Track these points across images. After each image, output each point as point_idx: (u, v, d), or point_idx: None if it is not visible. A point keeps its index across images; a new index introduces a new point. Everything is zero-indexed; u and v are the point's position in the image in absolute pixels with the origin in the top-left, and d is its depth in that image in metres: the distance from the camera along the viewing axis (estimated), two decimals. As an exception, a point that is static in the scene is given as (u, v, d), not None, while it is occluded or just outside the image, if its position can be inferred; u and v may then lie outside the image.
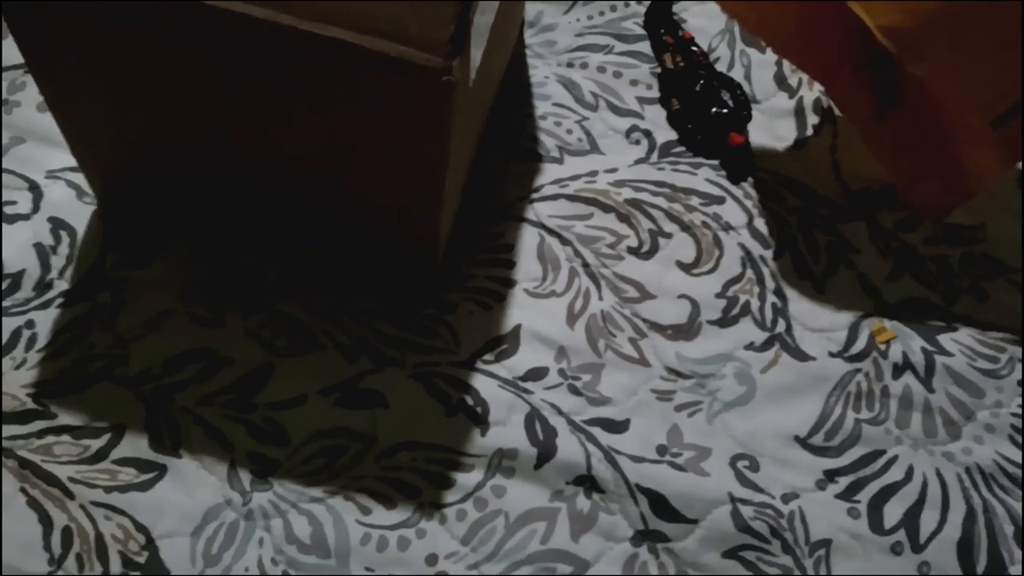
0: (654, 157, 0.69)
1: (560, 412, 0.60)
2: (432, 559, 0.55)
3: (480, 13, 0.50)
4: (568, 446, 0.59)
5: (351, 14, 0.43)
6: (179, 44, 0.47)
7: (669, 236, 0.66)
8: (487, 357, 0.61)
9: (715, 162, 0.69)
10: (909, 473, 0.60)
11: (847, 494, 0.59)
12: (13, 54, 0.68)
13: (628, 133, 0.70)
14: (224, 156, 0.55)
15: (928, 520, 0.59)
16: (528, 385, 0.60)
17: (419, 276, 0.63)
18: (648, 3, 0.74)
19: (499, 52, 0.65)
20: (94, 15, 0.47)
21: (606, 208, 0.67)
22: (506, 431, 0.59)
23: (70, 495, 0.55)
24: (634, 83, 0.71)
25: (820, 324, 0.64)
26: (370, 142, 0.50)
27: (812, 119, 0.70)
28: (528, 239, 0.66)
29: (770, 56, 0.72)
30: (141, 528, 0.55)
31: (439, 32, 0.43)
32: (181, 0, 0.44)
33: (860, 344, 0.63)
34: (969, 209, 0.67)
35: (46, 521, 0.55)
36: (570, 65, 0.72)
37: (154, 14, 0.45)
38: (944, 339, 0.64)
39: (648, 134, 0.70)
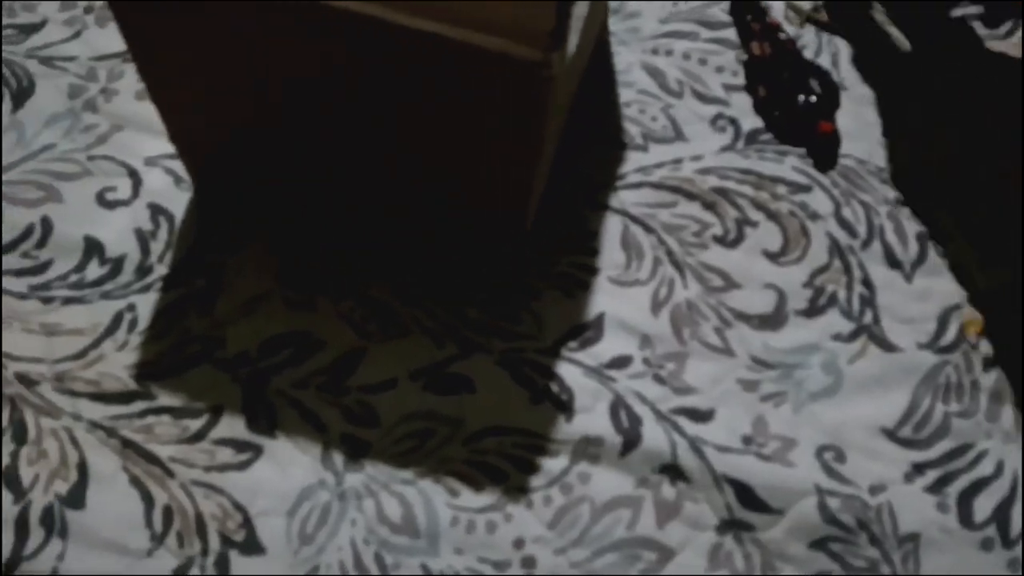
0: (740, 145, 0.69)
1: (645, 400, 0.60)
2: (519, 543, 0.56)
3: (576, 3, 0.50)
4: (653, 434, 0.59)
5: (454, 9, 0.44)
6: (281, 39, 0.48)
7: (755, 225, 0.66)
8: (571, 344, 0.62)
9: (802, 150, 0.68)
10: (999, 468, 0.59)
11: (936, 487, 0.58)
12: (109, 43, 0.70)
13: (714, 120, 0.69)
14: (321, 143, 0.57)
15: (1019, 516, 0.58)
16: (613, 373, 0.61)
17: (507, 260, 0.64)
18: (734, -12, 0.73)
19: (587, 40, 0.65)
20: (198, 9, 0.48)
21: (691, 196, 0.67)
22: (591, 418, 0.59)
23: (171, 474, 0.57)
24: (720, 70, 0.71)
25: (909, 315, 0.63)
26: (468, 130, 0.51)
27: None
28: (612, 227, 0.66)
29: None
30: (239, 507, 0.57)
31: (540, 26, 0.43)
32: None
33: (949, 336, 0.62)
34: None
35: (147, 499, 0.57)
36: (655, 52, 0.72)
37: (258, 11, 0.47)
38: (1037, 329, 0.63)
39: (734, 121, 0.69)
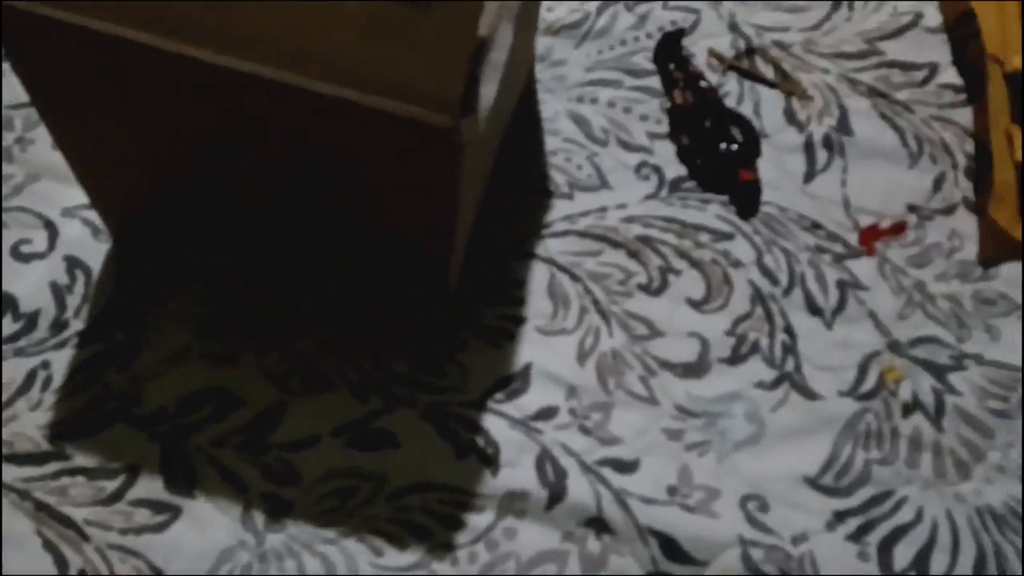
0: (664, 193, 0.69)
1: (571, 452, 0.60)
2: (444, 601, 0.56)
3: (494, 50, 0.50)
4: (579, 487, 0.59)
5: (359, 73, 0.44)
6: (187, 97, 0.48)
7: (679, 273, 0.66)
8: (498, 396, 0.62)
9: (724, 198, 0.69)
10: (919, 514, 0.60)
11: (857, 535, 0.59)
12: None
13: (638, 168, 0.70)
14: (240, 198, 0.56)
15: (939, 563, 0.59)
16: (539, 425, 0.61)
17: (431, 312, 0.63)
18: (658, 38, 0.74)
19: (511, 88, 0.66)
20: (97, 63, 0.47)
21: (616, 244, 0.67)
22: (517, 472, 0.59)
23: (85, 537, 0.56)
24: (644, 118, 0.72)
25: (829, 362, 0.64)
26: (381, 193, 0.50)
27: (821, 154, 0.70)
28: (538, 276, 0.66)
29: (779, 92, 0.73)
30: (156, 570, 0.55)
31: (448, 92, 0.43)
32: (186, 57, 0.44)
33: (870, 383, 0.63)
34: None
35: (62, 563, 0.55)
36: (580, 100, 0.72)
37: (160, 69, 0.46)
38: (955, 378, 0.64)
39: (658, 170, 0.70)
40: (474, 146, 0.50)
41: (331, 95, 0.44)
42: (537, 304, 0.65)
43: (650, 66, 0.74)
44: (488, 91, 0.50)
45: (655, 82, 0.73)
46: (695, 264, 0.67)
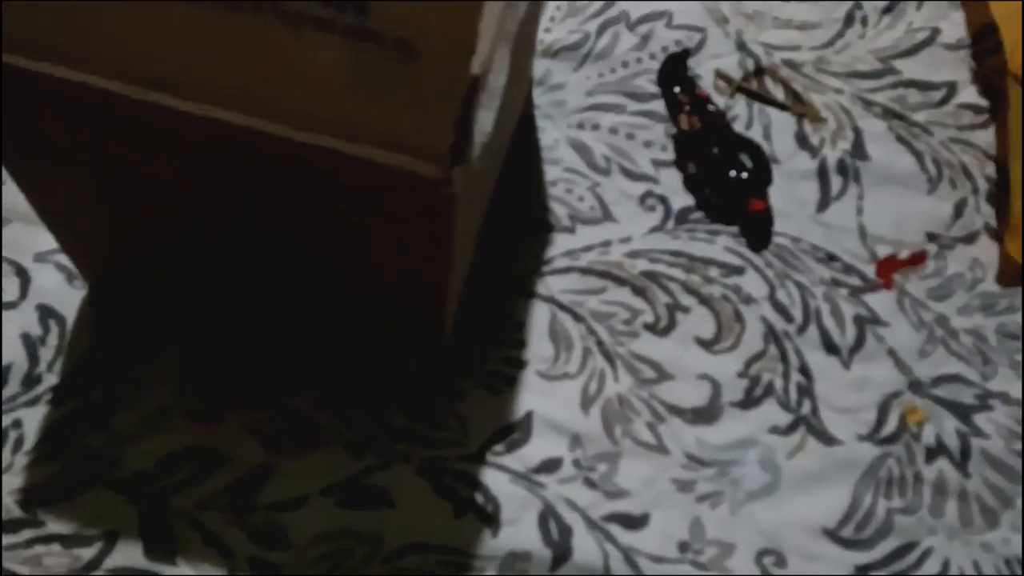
0: (670, 224, 0.66)
1: (575, 507, 0.57)
2: (443, 672, 0.53)
3: (491, 75, 0.47)
4: (584, 546, 0.56)
5: (343, 121, 0.40)
6: (157, 146, 0.44)
7: (687, 311, 0.63)
8: (497, 448, 0.58)
9: (734, 229, 0.66)
10: (945, 566, 0.57)
11: (881, 592, 0.56)
12: None
13: (642, 199, 0.67)
14: (224, 250, 0.53)
15: (968, 620, 0.56)
16: (541, 478, 0.57)
17: (428, 361, 0.60)
18: (662, 60, 0.71)
19: (508, 114, 0.62)
20: (61, 111, 0.44)
21: (620, 281, 0.64)
22: (519, 531, 0.56)
23: (61, 610, 0.53)
24: (648, 145, 0.68)
25: (847, 404, 0.61)
26: (372, 244, 0.47)
27: (836, 181, 0.67)
28: (539, 316, 0.63)
29: (790, 114, 0.69)
30: (136, 645, 0.52)
31: (438, 141, 0.40)
32: (159, 107, 0.41)
33: (890, 426, 0.60)
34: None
35: (36, 638, 0.52)
36: (581, 127, 0.69)
37: (126, 116, 0.43)
38: (980, 419, 0.60)
39: (663, 200, 0.67)
40: (468, 188, 0.46)
41: (313, 144, 0.41)
42: (538, 347, 0.62)
43: (654, 89, 0.70)
44: (484, 120, 0.47)
45: (659, 106, 0.70)
46: (704, 301, 0.63)
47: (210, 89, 0.41)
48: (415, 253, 0.47)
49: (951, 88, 0.70)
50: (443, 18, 0.40)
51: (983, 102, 0.69)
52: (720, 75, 0.70)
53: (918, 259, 0.65)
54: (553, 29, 0.71)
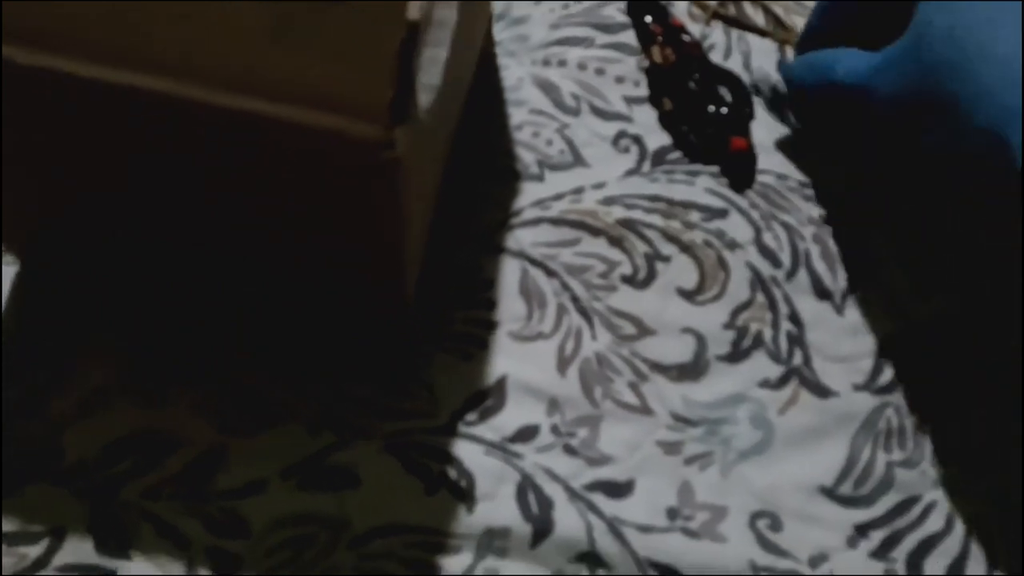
0: (646, 167, 0.61)
1: (556, 478, 0.53)
2: (420, 660, 0.50)
3: (438, 16, 0.42)
4: (566, 519, 0.52)
5: (270, 81, 0.35)
6: (79, 117, 0.39)
7: (667, 260, 0.59)
8: (470, 417, 0.54)
9: (715, 168, 0.61)
10: (949, 522, 0.53)
11: (882, 551, 0.52)
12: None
13: (616, 140, 0.62)
14: (153, 222, 0.48)
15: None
16: (518, 448, 0.54)
17: (390, 326, 0.56)
18: (631, -14, 0.65)
19: (463, 57, 0.57)
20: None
21: (595, 231, 0.59)
22: (496, 506, 0.52)
23: (6, 615, 0.49)
24: (620, 80, 0.63)
25: (842, 352, 0.57)
26: (318, 216, 0.42)
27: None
28: (509, 272, 0.58)
29: (771, 41, 0.64)
30: (89, 649, 0.49)
31: (374, 97, 0.35)
32: (60, 72, 0.36)
33: (888, 374, 0.56)
34: None
35: (-18, 645, 0.49)
36: (546, 63, 0.64)
37: (41, 87, 0.38)
38: (982, 362, 0.57)
39: (638, 140, 0.62)
40: (419, 145, 0.42)
41: (232, 107, 0.36)
42: (509, 306, 0.57)
43: (623, 19, 0.65)
44: (432, 68, 0.42)
45: (630, 38, 0.65)
46: (685, 248, 0.59)
47: (119, 51, 0.36)
48: (364, 222, 0.42)
49: (944, 5, 0.65)
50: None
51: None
52: (695, 3, 0.65)
53: (913, 192, 0.61)
54: (513, -43, 0.66)
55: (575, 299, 0.58)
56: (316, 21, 0.35)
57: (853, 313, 0.58)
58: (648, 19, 0.64)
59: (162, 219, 0.48)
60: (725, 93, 0.62)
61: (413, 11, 0.36)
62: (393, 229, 0.42)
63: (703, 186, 0.61)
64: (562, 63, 0.64)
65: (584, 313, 0.57)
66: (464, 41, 0.55)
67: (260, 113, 0.36)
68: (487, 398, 0.55)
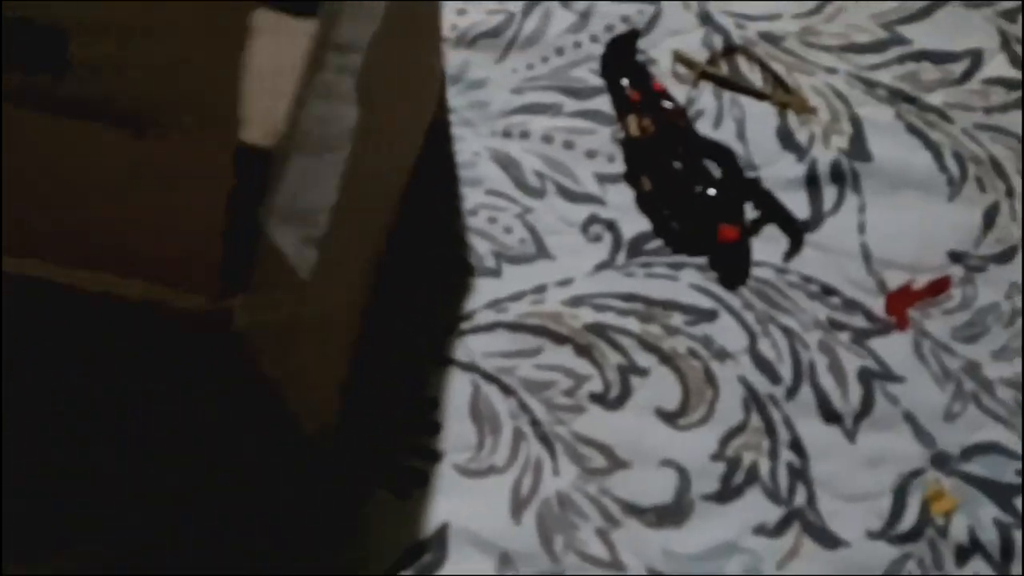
0: (621, 258, 0.52)
1: (505, 655, 0.44)
2: None
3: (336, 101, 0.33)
4: None
5: (93, 252, 0.27)
6: None
7: (645, 373, 0.50)
8: (406, 574, 0.46)
9: (703, 260, 0.52)
10: None
11: None
12: None
13: (586, 227, 0.53)
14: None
15: None
16: (460, 617, 0.45)
17: (321, 456, 0.47)
18: (607, 43, 0.56)
19: (399, 132, 0.48)
20: None
21: (559, 339, 0.50)
22: None
23: None
24: (591, 155, 0.54)
25: (854, 489, 0.47)
26: (178, 385, 0.34)
27: (830, 190, 0.53)
28: (458, 389, 0.49)
29: (770, 105, 0.55)
30: None
31: (197, 262, 0.26)
32: None
33: (911, 517, 0.47)
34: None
35: None
36: (507, 135, 0.55)
37: None
38: (1025, 502, 0.47)
39: (612, 226, 0.53)
40: (309, 294, 0.33)
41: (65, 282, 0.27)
42: (458, 430, 0.49)
43: (597, 82, 0.56)
44: (322, 189, 0.33)
45: (605, 103, 0.55)
46: (666, 359, 0.50)
47: None
48: (234, 383, 0.34)
49: (975, 58, 0.55)
50: (187, 79, 0.26)
51: (1016, 73, 0.55)
52: (680, 58, 0.56)
53: (940, 287, 0.51)
54: (469, 10, 0.57)
55: (535, 423, 0.49)
56: (132, 163, 0.26)
57: (868, 440, 0.48)
58: (625, 82, 0.55)
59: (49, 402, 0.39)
60: (714, 169, 0.53)
61: (259, 131, 0.27)
62: (265, 388, 0.33)
63: (688, 282, 0.51)
64: (525, 135, 0.54)
65: (545, 440, 0.48)
66: (397, 115, 0.46)
67: (71, 284, 0.27)
68: (426, 551, 0.46)
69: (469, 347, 0.50)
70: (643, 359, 0.50)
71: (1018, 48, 0.55)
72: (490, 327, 0.50)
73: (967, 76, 0.54)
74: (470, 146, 0.55)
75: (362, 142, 0.37)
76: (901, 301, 0.51)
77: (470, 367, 0.50)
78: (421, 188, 0.53)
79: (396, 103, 0.45)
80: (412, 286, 0.51)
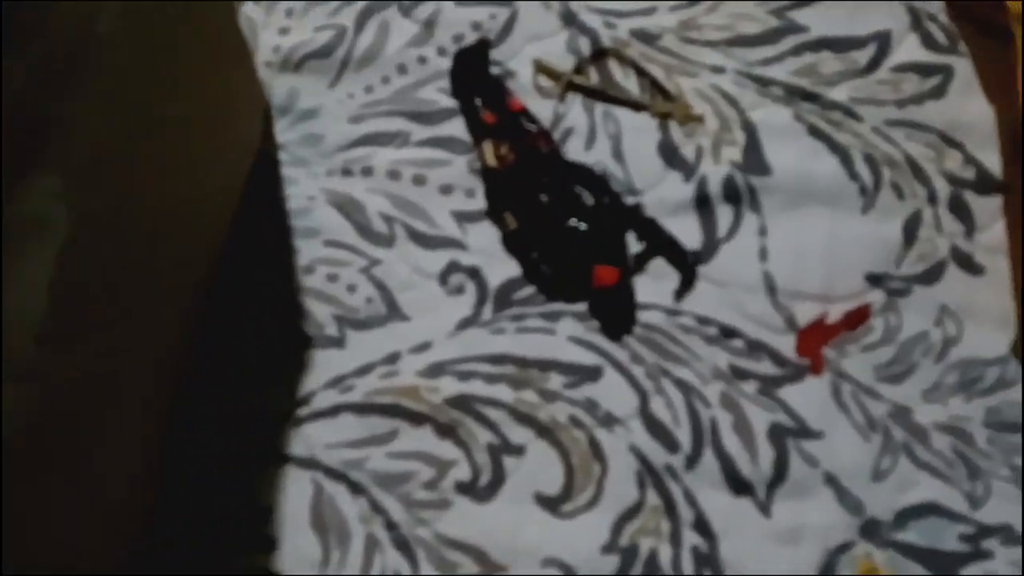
0: (487, 313, 0.44)
1: None
2: None
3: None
4: None
5: None
6: None
7: (520, 452, 0.42)
8: None
9: (582, 306, 0.44)
10: None
11: None
12: None
13: (444, 277, 0.45)
14: None
15: None
16: None
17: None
18: (454, 56, 0.48)
19: (185, 174, 0.40)
20: None
21: (417, 419, 0.42)
22: None
23: None
24: (446, 190, 0.46)
25: (772, 571, 0.40)
26: None
27: (724, 211, 0.45)
28: (297, 492, 0.41)
29: (648, 116, 0.47)
30: None
31: None
32: None
33: (840, 602, 0.40)
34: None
35: None
36: (347, 172, 0.46)
37: None
38: (974, 572, 0.40)
39: (475, 274, 0.45)
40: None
41: None
42: (298, 544, 0.40)
43: (449, 102, 0.48)
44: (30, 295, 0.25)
45: (460, 128, 0.47)
46: (545, 432, 0.42)
47: None
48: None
49: (882, 42, 0.48)
50: None
51: (932, 56, 0.47)
52: (542, 68, 0.48)
53: (858, 318, 0.44)
54: (291, 28, 0.48)
55: (391, 526, 0.41)
56: None
57: (784, 511, 0.41)
58: (478, 103, 0.46)
59: None
60: (587, 199, 0.45)
61: None
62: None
63: (566, 334, 0.44)
64: (368, 171, 0.46)
65: (404, 547, 0.40)
66: (180, 170, 0.37)
67: None
68: None
69: (308, 438, 0.42)
70: (517, 434, 0.42)
71: (932, 26, 0.47)
72: (333, 411, 0.42)
73: (874, 65, 0.47)
74: (304, 189, 0.46)
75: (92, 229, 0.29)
76: (814, 339, 0.43)
77: (310, 463, 0.42)
78: (244, 244, 0.44)
79: (179, 154, 0.37)
80: (235, 365, 0.43)
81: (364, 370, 0.43)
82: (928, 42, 0.47)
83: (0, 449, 0.25)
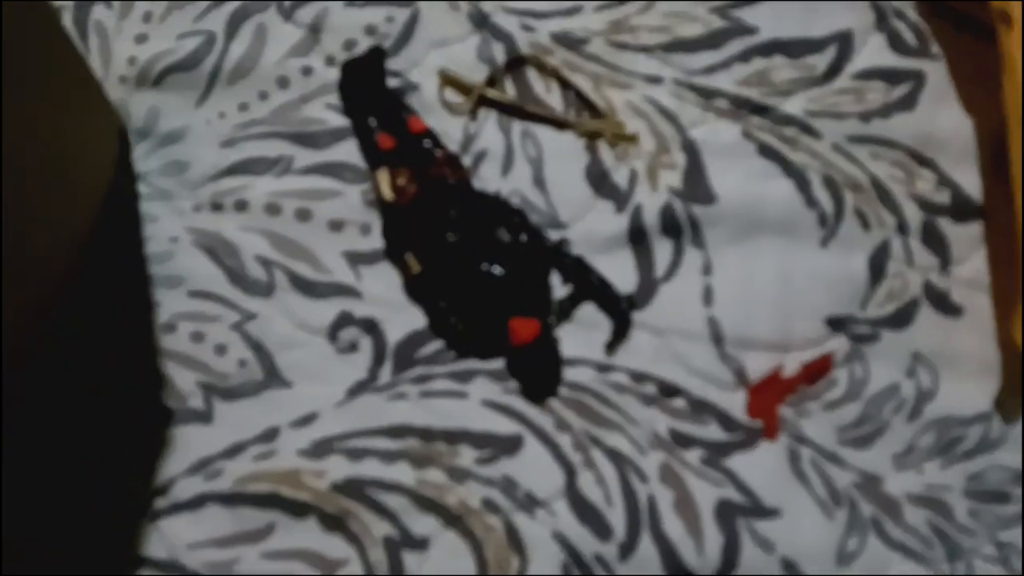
0: (385, 374, 0.37)
1: None
2: None
3: None
4: None
5: None
6: None
7: (423, 546, 0.35)
8: None
9: (498, 364, 0.38)
10: None
11: None
12: None
13: (334, 332, 0.38)
14: None
15: None
16: None
17: None
18: (342, 67, 0.41)
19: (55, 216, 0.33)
20: None
21: (299, 509, 0.35)
22: None
23: None
24: (336, 227, 0.39)
25: None
26: None
27: (662, 246, 0.38)
28: (157, 601, 0.35)
29: (573, 135, 0.40)
30: None
31: None
32: None
33: None
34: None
35: None
36: (217, 207, 0.39)
37: None
38: (956, 676, 0.35)
39: (372, 327, 0.38)
40: None
41: None
42: (157, 665, 0.34)
43: (339, 121, 0.40)
44: None
45: (353, 151, 0.40)
46: (453, 521, 0.36)
47: None
48: None
49: (843, 44, 0.41)
50: None
51: (900, 60, 0.41)
52: (449, 80, 0.41)
53: (818, 370, 0.38)
54: (151, 35, 0.41)
55: (268, 641, 0.34)
56: None
57: (737, 609, 0.35)
58: (372, 123, 0.39)
59: None
60: (504, 236, 0.38)
61: None
62: None
63: (480, 398, 0.37)
64: (242, 205, 0.39)
65: (284, 667, 0.34)
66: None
67: None
68: None
69: (167, 536, 0.35)
70: (421, 524, 0.35)
71: (900, 24, 0.41)
72: (197, 502, 0.35)
73: (834, 71, 0.40)
74: (165, 229, 0.39)
75: None
76: (768, 396, 0.37)
77: (170, 566, 0.35)
78: (91, 300, 0.37)
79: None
80: (78, 448, 0.36)
81: (235, 450, 0.36)
82: (896, 43, 0.41)
83: None
